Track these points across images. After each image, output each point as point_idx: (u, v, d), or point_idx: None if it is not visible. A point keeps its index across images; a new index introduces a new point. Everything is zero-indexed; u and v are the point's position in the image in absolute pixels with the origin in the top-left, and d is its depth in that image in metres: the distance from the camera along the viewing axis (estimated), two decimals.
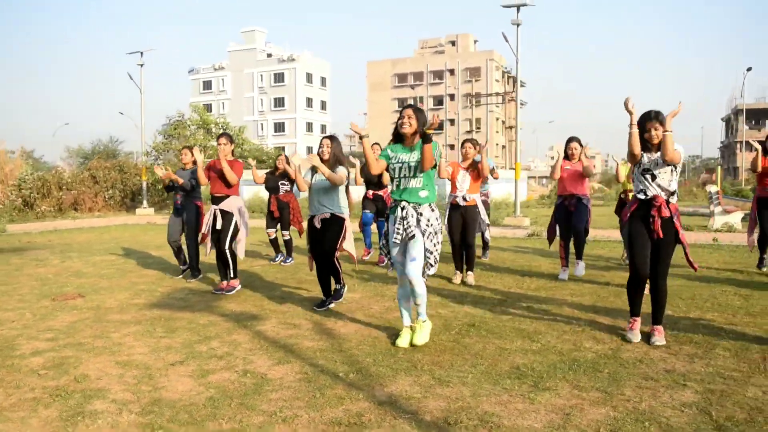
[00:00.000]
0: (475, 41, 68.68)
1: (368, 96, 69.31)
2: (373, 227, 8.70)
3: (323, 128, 69.92)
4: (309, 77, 67.30)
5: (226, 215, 6.36)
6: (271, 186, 8.62)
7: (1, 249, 10.67)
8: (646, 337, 4.42)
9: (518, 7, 15.14)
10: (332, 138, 5.51)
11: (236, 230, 6.37)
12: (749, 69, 41.31)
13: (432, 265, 4.32)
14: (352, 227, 5.72)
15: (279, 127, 66.95)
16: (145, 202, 22.37)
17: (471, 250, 6.79)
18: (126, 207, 22.99)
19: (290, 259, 8.67)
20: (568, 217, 6.95)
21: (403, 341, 4.32)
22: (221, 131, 21.26)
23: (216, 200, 6.40)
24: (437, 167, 6.55)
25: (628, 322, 4.60)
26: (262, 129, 67.38)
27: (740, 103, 51.25)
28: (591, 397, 3.33)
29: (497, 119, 64.62)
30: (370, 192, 8.22)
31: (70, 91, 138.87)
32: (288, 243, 8.67)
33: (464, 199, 6.69)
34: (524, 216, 15.78)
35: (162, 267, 8.22)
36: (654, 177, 4.35)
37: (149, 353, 4.19)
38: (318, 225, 5.46)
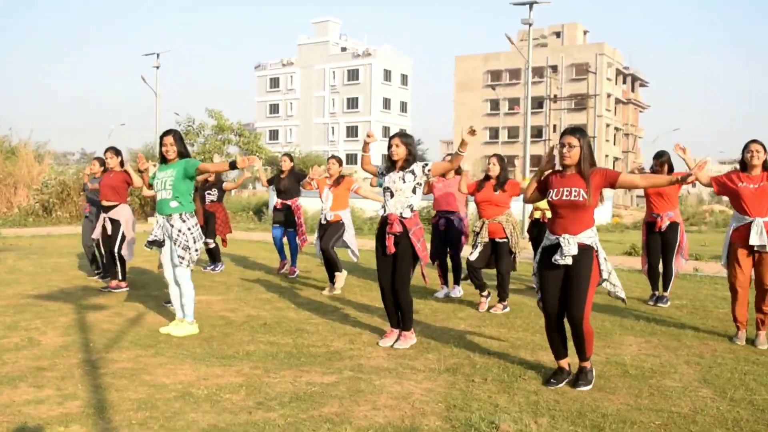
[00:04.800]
0: (585, 32, 68.82)
1: (455, 96, 70.97)
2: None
3: None
4: (387, 74, 70.11)
5: (114, 222, 8.47)
6: (198, 195, 10.67)
7: None
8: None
9: (530, 4, 16.37)
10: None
11: (123, 236, 8.46)
12: None
13: (189, 266, 6.14)
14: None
15: (351, 131, 70.05)
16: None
17: (331, 253, 8.44)
18: (146, 215, 26.09)
19: (218, 265, 10.70)
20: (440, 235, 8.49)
21: (166, 328, 6.18)
22: (237, 136, 23.84)
23: (105, 209, 8.53)
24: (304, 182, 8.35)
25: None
26: (333, 133, 70.67)
27: None
28: (234, 370, 5.05)
29: (608, 126, 64.27)
30: (279, 201, 10.01)
31: (130, 89, 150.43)
32: (211, 251, 10.69)
33: (326, 218, 8.41)
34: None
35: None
36: (392, 195, 5.92)
37: None
38: None
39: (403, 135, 5.94)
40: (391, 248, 5.82)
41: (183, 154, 6.16)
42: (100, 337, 5.94)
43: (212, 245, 10.67)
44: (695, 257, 13.09)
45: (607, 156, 63.52)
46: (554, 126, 66.73)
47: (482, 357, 5.53)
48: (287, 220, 9.96)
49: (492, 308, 7.54)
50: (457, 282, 8.58)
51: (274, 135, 73.20)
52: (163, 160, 6.24)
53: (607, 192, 28.89)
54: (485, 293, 7.68)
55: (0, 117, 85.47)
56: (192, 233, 6.17)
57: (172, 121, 73.20)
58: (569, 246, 4.72)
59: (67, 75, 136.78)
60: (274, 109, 74.17)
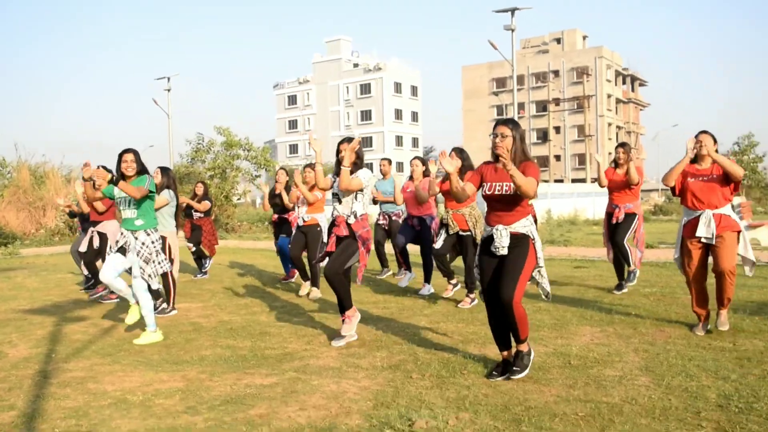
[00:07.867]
0: (584, 37, 68.14)
1: (463, 104, 70.74)
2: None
3: (414, 141, 72.13)
4: (397, 87, 70.01)
5: (102, 236, 8.41)
6: (187, 213, 10.74)
7: None
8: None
9: (512, 11, 16.11)
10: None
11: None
12: None
13: (151, 278, 6.01)
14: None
15: (366, 142, 69.93)
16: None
17: (314, 268, 8.31)
18: None
19: (206, 263, 10.96)
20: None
21: (129, 318, 6.16)
22: (246, 151, 23.86)
23: (93, 223, 8.48)
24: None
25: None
26: None
27: None
28: (180, 375, 4.90)
29: (610, 125, 63.56)
30: (275, 216, 9.87)
31: (147, 113, 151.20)
32: (198, 258, 10.85)
33: (303, 219, 8.26)
34: None
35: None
36: (339, 201, 5.78)
37: None
38: None
39: (349, 140, 5.80)
40: (332, 247, 5.75)
41: (141, 171, 6.06)
42: (66, 348, 5.83)
43: (193, 249, 10.75)
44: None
45: (610, 153, 62.73)
46: (556, 128, 66.26)
47: (428, 353, 5.33)
48: (283, 230, 9.80)
49: (460, 303, 7.33)
50: (427, 280, 8.37)
51: (294, 149, 73.48)
52: (122, 177, 6.10)
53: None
54: (453, 281, 7.54)
55: (30, 145, 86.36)
56: (155, 246, 6.06)
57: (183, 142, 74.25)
58: (501, 238, 4.58)
59: (93, 103, 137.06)
60: (293, 124, 74.45)
